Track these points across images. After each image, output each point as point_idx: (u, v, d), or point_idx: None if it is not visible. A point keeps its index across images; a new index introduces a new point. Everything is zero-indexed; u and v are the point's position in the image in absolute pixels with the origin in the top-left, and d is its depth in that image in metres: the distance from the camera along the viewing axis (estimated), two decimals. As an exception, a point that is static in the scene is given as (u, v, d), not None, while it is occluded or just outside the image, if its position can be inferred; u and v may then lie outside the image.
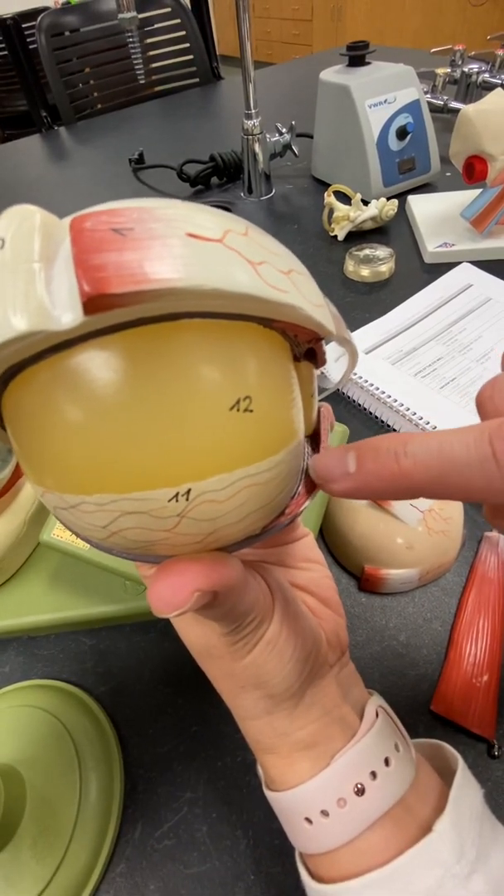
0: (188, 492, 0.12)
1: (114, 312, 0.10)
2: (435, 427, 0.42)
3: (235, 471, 0.12)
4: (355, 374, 0.48)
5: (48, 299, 0.10)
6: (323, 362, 0.16)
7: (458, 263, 0.60)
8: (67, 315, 0.09)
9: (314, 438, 0.17)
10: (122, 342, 0.11)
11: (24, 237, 0.10)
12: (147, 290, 0.09)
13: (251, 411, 0.12)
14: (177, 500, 0.12)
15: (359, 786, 0.18)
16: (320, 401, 0.18)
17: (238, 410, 0.12)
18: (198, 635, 0.19)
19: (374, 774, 0.18)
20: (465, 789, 0.19)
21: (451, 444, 0.12)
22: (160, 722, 0.31)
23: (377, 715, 0.20)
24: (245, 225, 0.12)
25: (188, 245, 0.10)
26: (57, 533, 0.30)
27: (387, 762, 0.18)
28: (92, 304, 0.09)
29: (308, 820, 0.18)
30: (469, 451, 0.11)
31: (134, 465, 0.11)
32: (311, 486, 0.16)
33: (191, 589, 0.13)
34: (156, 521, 0.12)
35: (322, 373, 0.45)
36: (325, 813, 0.18)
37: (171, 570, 0.13)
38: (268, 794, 0.20)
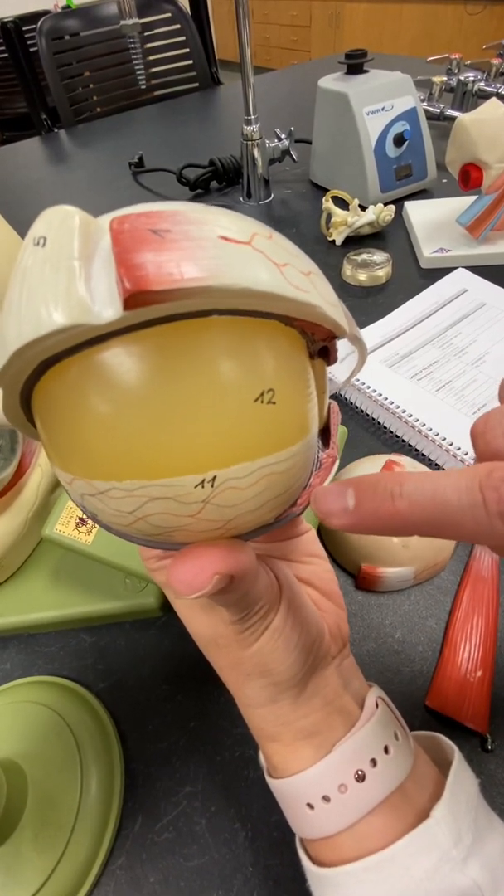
0: (213, 478, 0.12)
1: (149, 308, 0.10)
2: (430, 429, 0.43)
3: (257, 460, 0.13)
4: (353, 376, 0.49)
5: (88, 295, 0.10)
6: (335, 360, 0.17)
7: (454, 269, 0.61)
8: (107, 310, 0.10)
9: (325, 433, 0.18)
10: (154, 337, 0.11)
11: (64, 236, 0.10)
12: (182, 288, 0.10)
13: (274, 403, 0.12)
14: (202, 487, 0.12)
15: (359, 772, 0.18)
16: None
17: (262, 402, 0.12)
18: (206, 625, 0.19)
19: (374, 762, 0.19)
20: (462, 778, 0.20)
21: (444, 489, 0.12)
22: (159, 718, 0.31)
23: (377, 705, 0.20)
24: (269, 229, 0.12)
25: (220, 247, 0.11)
26: (59, 528, 0.31)
27: (386, 750, 0.19)
28: (132, 300, 0.10)
29: (310, 805, 0.19)
30: (460, 497, 0.12)
31: (163, 452, 0.12)
32: (322, 478, 0.16)
33: (211, 572, 0.14)
34: (181, 507, 0.12)
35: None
36: (326, 798, 0.18)
37: (192, 553, 0.14)
38: (270, 781, 0.20)
